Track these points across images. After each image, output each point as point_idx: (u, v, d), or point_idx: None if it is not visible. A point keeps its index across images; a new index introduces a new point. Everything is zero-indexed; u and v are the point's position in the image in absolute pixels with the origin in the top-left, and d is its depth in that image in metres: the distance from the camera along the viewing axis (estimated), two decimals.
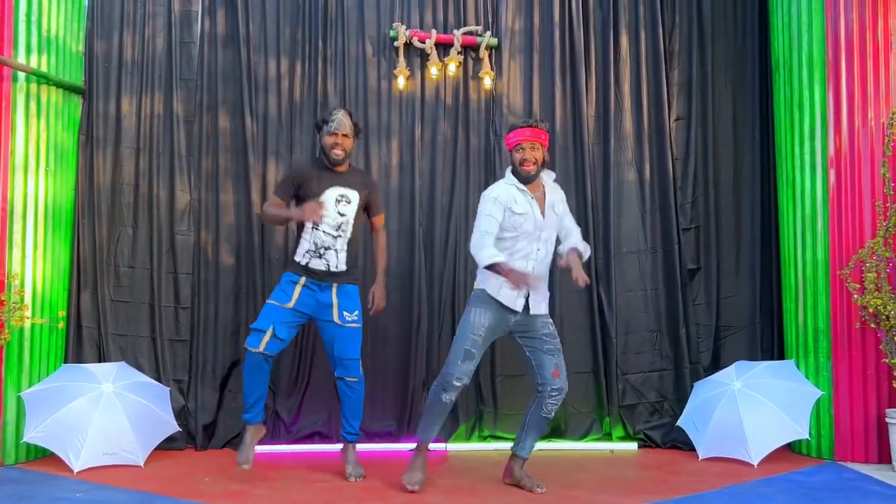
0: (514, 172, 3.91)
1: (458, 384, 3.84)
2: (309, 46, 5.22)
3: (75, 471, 4.11)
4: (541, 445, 4.92)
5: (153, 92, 5.13)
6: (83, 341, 4.88)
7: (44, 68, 4.63)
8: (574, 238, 4.00)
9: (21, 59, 4.52)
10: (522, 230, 3.84)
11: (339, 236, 4.09)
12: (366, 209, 4.26)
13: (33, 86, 4.60)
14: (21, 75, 4.53)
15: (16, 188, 4.48)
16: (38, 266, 4.57)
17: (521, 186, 3.88)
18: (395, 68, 5.19)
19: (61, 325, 4.68)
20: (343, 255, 4.09)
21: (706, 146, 5.31)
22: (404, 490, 3.82)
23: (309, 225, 4.06)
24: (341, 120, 4.05)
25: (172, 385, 4.88)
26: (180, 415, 4.81)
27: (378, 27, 5.29)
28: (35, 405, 4.26)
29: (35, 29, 4.59)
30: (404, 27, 5.18)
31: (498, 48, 5.29)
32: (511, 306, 3.85)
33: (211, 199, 5.12)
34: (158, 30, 5.16)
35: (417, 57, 5.27)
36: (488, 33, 5.24)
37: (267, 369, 4.04)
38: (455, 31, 5.20)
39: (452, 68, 5.22)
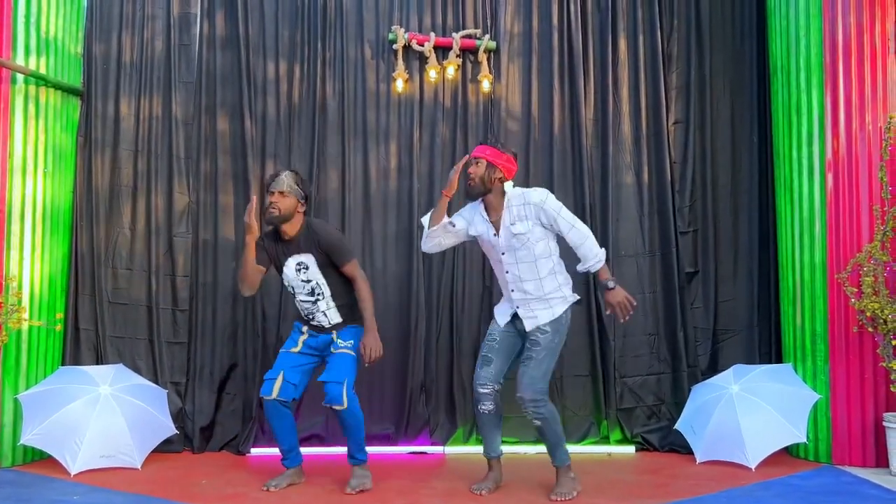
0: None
1: (483, 390, 3.84)
2: (308, 49, 5.23)
3: (72, 473, 4.11)
4: (538, 449, 4.94)
5: (152, 94, 5.13)
6: (81, 343, 4.88)
7: (42, 70, 4.63)
8: (582, 252, 3.74)
9: (20, 61, 4.53)
10: (486, 250, 3.95)
11: (318, 299, 3.96)
12: (332, 263, 3.96)
13: (32, 87, 4.60)
14: (20, 77, 4.53)
15: (14, 190, 4.48)
16: (35, 268, 4.56)
17: (479, 207, 3.87)
18: (393, 71, 5.20)
19: (59, 327, 4.67)
20: (333, 312, 3.99)
21: (704, 150, 5.32)
22: (474, 495, 3.87)
23: (290, 293, 4.06)
24: (281, 178, 3.89)
25: (170, 387, 4.88)
26: (178, 417, 4.80)
27: (377, 30, 5.30)
28: (32, 407, 4.25)
29: (34, 30, 4.60)
30: (403, 30, 5.19)
31: (496, 51, 5.30)
32: (500, 322, 3.92)
33: (209, 201, 5.12)
34: (157, 32, 5.17)
35: (416, 60, 5.27)
36: (487, 36, 5.25)
37: (287, 413, 3.98)
38: (454, 35, 5.21)
39: (451, 71, 5.23)
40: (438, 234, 3.90)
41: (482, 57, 5.22)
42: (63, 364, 4.77)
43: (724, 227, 5.28)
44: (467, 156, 3.89)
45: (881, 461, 4.36)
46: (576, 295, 3.94)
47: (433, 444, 4.95)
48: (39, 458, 4.49)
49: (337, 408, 3.84)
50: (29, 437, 4.19)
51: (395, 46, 5.18)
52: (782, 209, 4.86)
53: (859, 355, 4.43)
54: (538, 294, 3.80)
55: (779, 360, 4.98)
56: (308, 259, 3.93)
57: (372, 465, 4.47)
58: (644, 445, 5.00)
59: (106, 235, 5.00)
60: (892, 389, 4.31)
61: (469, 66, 5.32)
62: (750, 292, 5.19)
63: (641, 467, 4.55)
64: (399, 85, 5.20)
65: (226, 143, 5.16)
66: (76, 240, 4.92)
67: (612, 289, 3.75)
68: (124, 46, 5.12)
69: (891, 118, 4.46)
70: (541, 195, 3.77)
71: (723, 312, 5.23)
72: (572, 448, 4.95)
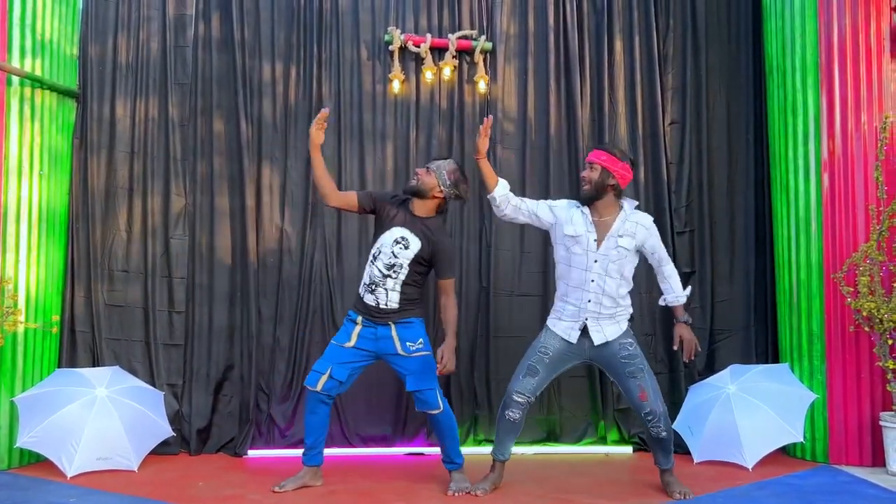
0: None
1: (518, 399, 3.86)
2: (304, 50, 5.22)
3: (69, 476, 4.10)
4: (536, 449, 4.96)
5: (147, 96, 5.12)
6: (77, 346, 4.87)
7: (38, 72, 4.62)
8: (671, 284, 3.92)
9: (15, 63, 4.52)
10: (572, 253, 3.82)
11: (390, 277, 3.89)
12: (432, 266, 3.95)
13: (27, 89, 4.59)
14: (15, 79, 4.52)
15: (9, 192, 4.47)
16: (31, 270, 4.55)
17: (584, 209, 3.87)
18: (389, 72, 5.19)
19: (55, 329, 4.67)
20: (395, 296, 3.91)
21: (700, 150, 5.33)
22: (470, 494, 3.87)
23: (371, 256, 3.99)
24: (438, 162, 3.97)
25: (167, 389, 4.86)
26: (174, 419, 4.79)
27: (373, 31, 5.30)
28: (28, 410, 4.24)
29: (29, 32, 4.58)
30: (399, 31, 5.18)
31: (493, 52, 5.30)
32: (566, 338, 3.85)
33: (206, 202, 5.11)
34: (153, 34, 5.16)
35: (412, 61, 5.27)
36: (483, 37, 5.26)
37: (325, 411, 3.94)
38: (450, 35, 5.21)
39: (447, 72, 5.23)
40: (504, 191, 3.94)
41: (478, 58, 5.22)
42: (59, 366, 4.76)
43: (721, 227, 5.29)
44: (489, 117, 3.93)
45: (878, 460, 4.37)
46: (631, 307, 3.97)
47: (430, 445, 4.94)
48: (36, 461, 4.47)
49: (433, 412, 3.88)
50: (25, 440, 4.18)
51: (391, 48, 5.18)
52: (778, 209, 4.87)
53: (856, 355, 4.44)
54: (611, 312, 3.82)
55: (775, 359, 4.99)
56: (414, 242, 3.89)
57: (369, 466, 4.49)
58: (641, 446, 4.99)
59: (102, 237, 4.99)
60: (888, 389, 4.32)
61: (465, 67, 5.32)
62: (746, 292, 5.20)
63: (639, 467, 4.55)
64: (395, 86, 5.20)
65: (222, 145, 5.15)
66: (72, 242, 4.91)
67: (688, 323, 3.93)
68: (120, 48, 5.11)
69: (886, 118, 4.47)
70: (651, 222, 3.89)
71: (719, 312, 5.24)
72: (570, 448, 5.00)
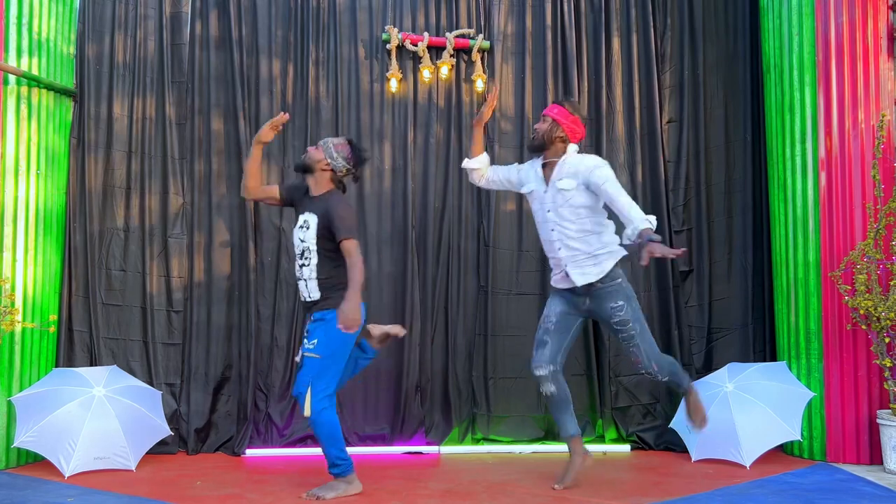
0: None
1: (540, 372, 3.89)
2: (301, 49, 5.22)
3: (66, 475, 4.09)
4: (534, 447, 4.96)
5: (145, 94, 5.12)
6: (74, 345, 4.86)
7: (35, 71, 4.62)
8: (625, 217, 3.58)
9: (12, 62, 4.51)
10: (534, 211, 3.98)
11: (305, 265, 3.86)
12: (330, 237, 3.82)
13: (24, 88, 4.59)
14: (12, 78, 4.51)
15: (6, 192, 4.46)
16: (28, 270, 4.55)
17: (537, 165, 3.97)
18: (387, 71, 5.19)
19: (52, 329, 4.66)
20: (313, 284, 3.83)
21: (698, 148, 5.33)
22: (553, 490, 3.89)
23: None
24: (327, 139, 3.96)
25: (165, 389, 4.86)
26: (172, 419, 4.79)
27: (370, 30, 5.30)
28: (26, 409, 4.23)
29: (26, 31, 4.58)
30: (396, 30, 5.18)
31: (490, 51, 5.30)
32: (565, 287, 3.90)
33: (204, 201, 5.11)
34: (150, 32, 5.15)
35: (410, 60, 5.27)
36: (480, 36, 5.26)
37: (332, 420, 3.81)
38: (447, 34, 5.21)
39: (445, 71, 5.23)
40: (478, 165, 4.11)
41: (476, 56, 5.22)
42: (57, 366, 4.75)
43: (718, 225, 5.30)
44: (496, 87, 4.08)
45: (875, 458, 4.38)
46: (622, 249, 3.88)
47: (428, 444, 4.95)
48: (33, 461, 4.47)
49: (304, 416, 3.78)
50: (23, 440, 4.18)
51: (388, 46, 5.18)
52: (776, 207, 4.87)
53: (853, 353, 4.45)
54: (587, 250, 3.81)
55: (773, 358, 5.00)
56: (312, 220, 3.84)
57: (367, 465, 4.48)
58: (639, 444, 5.01)
59: (100, 237, 4.98)
60: (885, 387, 4.33)
61: (463, 65, 5.32)
62: (744, 291, 5.21)
63: (637, 466, 4.56)
64: (393, 85, 5.20)
65: (220, 144, 5.15)
66: (70, 241, 4.90)
67: (657, 241, 3.52)
68: (117, 47, 5.11)
69: (883, 116, 4.48)
70: (595, 161, 3.83)
71: (717, 311, 5.24)
72: (567, 447, 4.98)
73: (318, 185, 3.92)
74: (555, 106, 3.95)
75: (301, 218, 3.91)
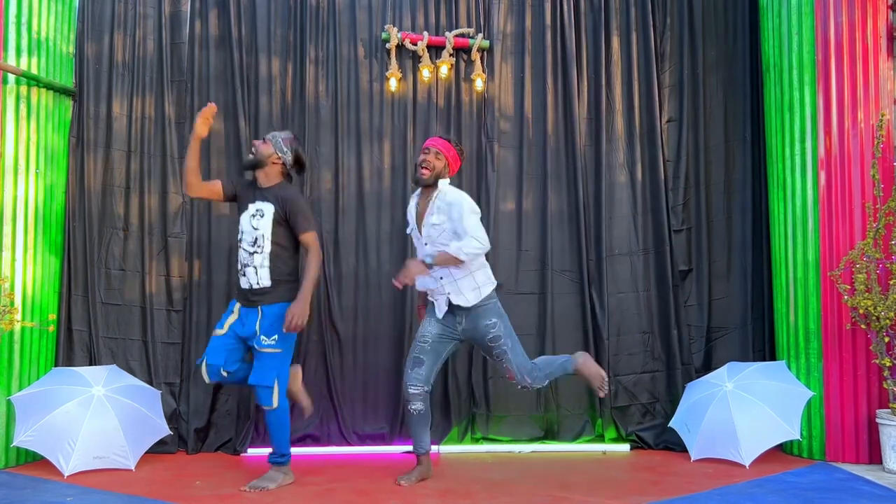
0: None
1: (413, 391, 4.01)
2: (301, 48, 5.22)
3: (66, 475, 4.09)
4: (533, 447, 4.96)
5: (144, 94, 5.11)
6: (74, 344, 4.86)
7: (34, 70, 4.61)
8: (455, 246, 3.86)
9: (11, 61, 4.51)
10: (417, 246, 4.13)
11: (256, 252, 3.96)
12: (286, 225, 4.00)
13: (23, 88, 4.58)
14: (11, 77, 4.51)
15: (6, 191, 4.46)
16: (28, 269, 4.55)
17: (414, 201, 4.15)
18: (386, 70, 5.19)
19: (51, 328, 4.66)
20: (264, 272, 3.94)
21: (697, 148, 5.33)
22: (397, 485, 4.01)
23: (238, 242, 4.09)
24: (274, 133, 4.12)
25: (164, 388, 4.86)
26: (172, 418, 4.79)
27: (370, 29, 5.29)
28: (25, 409, 4.24)
29: (25, 30, 4.58)
30: (396, 29, 5.18)
31: (490, 50, 5.30)
32: (439, 314, 4.06)
33: (203, 201, 5.10)
34: (149, 31, 5.15)
35: (409, 59, 5.27)
36: (480, 35, 5.25)
37: (215, 382, 4.11)
38: (447, 34, 5.21)
39: (444, 70, 5.23)
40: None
41: (475, 56, 5.22)
42: (56, 365, 4.75)
43: (718, 225, 5.30)
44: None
45: (874, 458, 4.38)
46: (494, 280, 4.11)
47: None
48: (33, 460, 4.48)
49: (266, 408, 3.94)
50: (22, 439, 4.18)
51: (388, 45, 5.18)
52: (775, 207, 4.87)
53: (852, 352, 4.45)
54: (465, 272, 3.95)
55: (772, 357, 5.00)
56: (267, 208, 3.99)
57: (366, 465, 4.49)
58: (639, 443, 5.01)
59: (99, 236, 4.98)
60: (884, 386, 4.33)
61: (462, 65, 5.32)
62: (743, 290, 5.20)
63: (636, 465, 4.56)
64: (392, 84, 5.19)
65: (219, 143, 5.15)
66: (69, 241, 4.90)
67: (428, 265, 3.89)
68: (116, 46, 5.10)
69: (882, 116, 4.48)
70: (457, 196, 3.96)
71: (716, 310, 5.24)
72: (567, 446, 4.99)
73: (269, 177, 4.06)
74: (440, 140, 4.10)
75: (252, 206, 4.03)
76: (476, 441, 5.04)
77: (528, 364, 4.03)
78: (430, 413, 4.14)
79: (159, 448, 4.62)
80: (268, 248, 3.96)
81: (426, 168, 4.02)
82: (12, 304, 4.35)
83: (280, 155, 4.05)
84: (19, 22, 4.55)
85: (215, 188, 4.13)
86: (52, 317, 4.68)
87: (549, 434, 5.08)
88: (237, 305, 4.08)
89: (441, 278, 3.98)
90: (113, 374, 4.48)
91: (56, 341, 4.80)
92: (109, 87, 5.07)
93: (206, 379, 4.00)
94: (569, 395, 5.11)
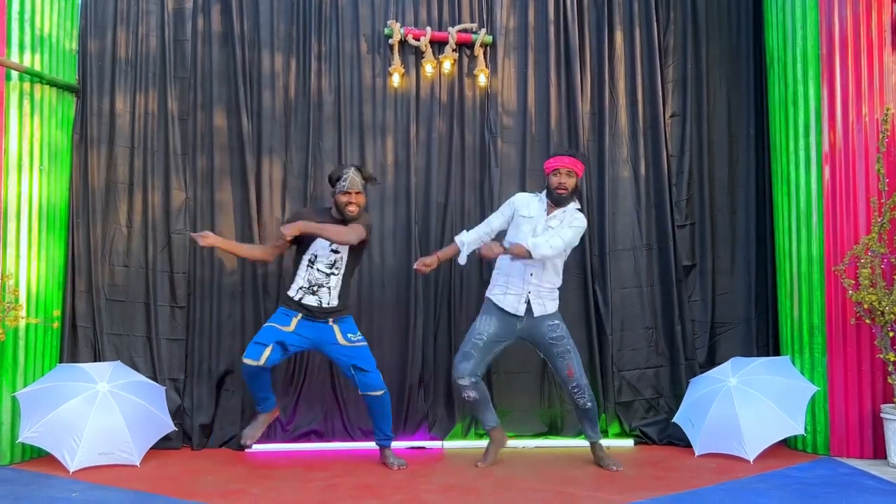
0: (549, 193, 4.28)
1: (463, 383, 4.22)
2: (304, 44, 5.21)
3: (71, 471, 4.10)
4: (537, 442, 4.96)
5: (147, 90, 5.11)
6: (78, 341, 4.87)
7: (37, 67, 4.61)
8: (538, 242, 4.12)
9: (14, 58, 4.51)
10: (521, 233, 4.20)
11: (333, 274, 4.29)
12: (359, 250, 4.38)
13: (27, 84, 4.58)
14: (14, 74, 4.51)
15: (9, 187, 4.47)
16: (32, 266, 4.55)
17: (543, 198, 4.29)
18: (389, 66, 5.18)
19: (56, 324, 4.67)
20: (335, 293, 4.30)
21: (701, 142, 5.32)
22: (477, 467, 4.32)
23: (305, 262, 4.31)
24: (353, 179, 4.23)
25: (168, 384, 4.87)
26: (176, 414, 4.80)
27: (373, 24, 5.29)
28: (30, 405, 4.25)
29: (28, 27, 4.57)
30: (399, 24, 5.17)
31: (493, 45, 5.29)
32: (514, 312, 4.22)
33: (206, 197, 5.11)
34: (152, 28, 5.15)
35: (412, 54, 5.26)
36: (483, 30, 5.24)
37: (267, 374, 4.27)
38: (450, 29, 5.20)
39: (447, 66, 5.22)
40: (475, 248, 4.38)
41: (478, 51, 5.21)
42: (61, 361, 4.76)
43: (722, 220, 5.29)
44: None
45: (879, 452, 4.38)
46: None
47: (432, 438, 4.96)
48: (38, 456, 4.49)
49: (377, 393, 4.25)
50: (27, 435, 4.19)
51: (391, 41, 5.17)
52: (779, 202, 4.86)
53: (857, 347, 4.45)
54: (551, 286, 4.27)
55: (776, 352, 4.99)
56: None
57: (371, 460, 4.49)
58: (642, 439, 5.01)
59: (103, 232, 4.98)
60: (889, 381, 4.33)
61: (465, 60, 5.31)
62: (747, 285, 5.20)
63: (640, 460, 4.56)
64: (395, 80, 5.19)
65: (222, 139, 5.15)
66: (73, 237, 4.90)
67: (505, 249, 4.13)
68: (119, 42, 5.10)
69: (887, 110, 4.47)
70: (583, 222, 4.27)
71: (720, 305, 5.23)
72: (571, 442, 5.00)
73: (359, 210, 4.30)
74: (575, 161, 4.25)
75: None
76: (480, 436, 5.04)
77: (583, 369, 4.32)
78: (487, 394, 4.40)
79: (164, 444, 4.63)
80: (342, 270, 4.31)
81: (565, 189, 4.22)
82: (17, 300, 4.36)
83: (362, 190, 4.30)
84: (22, 18, 4.55)
85: (281, 245, 4.40)
86: (57, 313, 4.69)
87: (553, 429, 5.08)
88: (296, 319, 4.28)
89: (531, 274, 4.22)
90: (118, 371, 4.49)
91: (60, 338, 4.81)
92: (112, 84, 5.07)
93: (262, 362, 4.12)
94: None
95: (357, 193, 4.24)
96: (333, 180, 4.32)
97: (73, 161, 4.96)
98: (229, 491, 3.83)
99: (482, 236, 4.36)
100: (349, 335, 4.31)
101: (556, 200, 4.23)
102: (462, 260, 4.37)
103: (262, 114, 5.15)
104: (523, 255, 4.07)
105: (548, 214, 4.25)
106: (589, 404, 4.29)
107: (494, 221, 4.37)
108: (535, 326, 4.24)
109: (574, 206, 4.30)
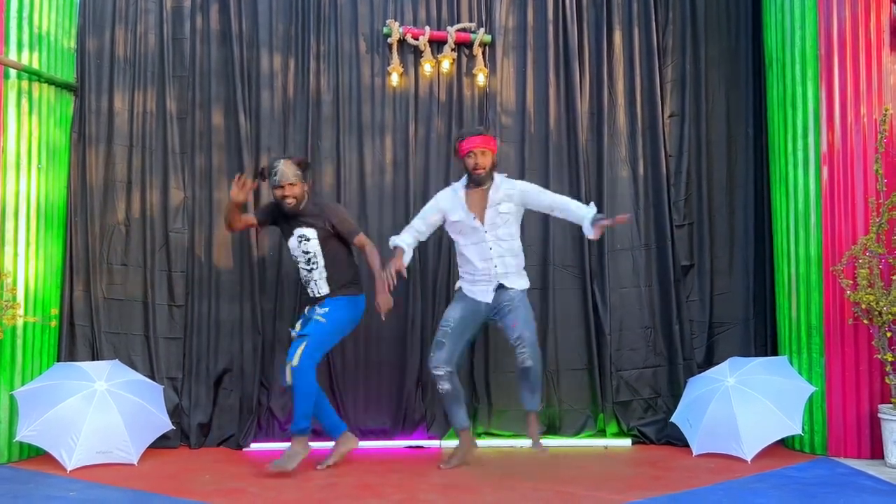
0: (468, 177, 4.28)
1: (438, 373, 4.24)
2: (302, 43, 5.21)
3: (69, 469, 4.10)
4: None
5: (146, 89, 5.11)
6: (76, 339, 4.87)
7: (35, 65, 4.61)
8: (572, 209, 4.21)
9: (13, 56, 4.50)
10: (466, 237, 4.27)
11: (313, 269, 4.32)
12: (339, 236, 4.34)
13: (25, 83, 4.58)
14: (13, 72, 4.51)
15: (8, 186, 4.46)
16: (30, 264, 4.55)
17: (457, 195, 4.28)
18: (388, 65, 5.18)
19: (54, 323, 4.66)
20: (322, 283, 4.32)
21: (699, 143, 5.32)
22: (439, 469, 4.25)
23: (295, 264, 4.45)
24: (283, 171, 4.20)
25: (166, 383, 4.87)
26: (174, 413, 4.80)
27: (371, 24, 5.28)
28: (28, 404, 4.24)
29: (27, 25, 4.57)
30: (398, 24, 5.17)
31: (492, 45, 5.29)
32: (483, 300, 4.28)
33: (205, 196, 5.10)
34: (150, 26, 5.14)
35: (411, 54, 5.26)
36: (482, 30, 5.24)
37: (320, 395, 4.32)
38: (449, 28, 5.20)
39: (446, 65, 5.22)
40: (409, 250, 4.32)
41: (477, 50, 5.21)
42: (58, 360, 4.76)
43: (720, 220, 5.29)
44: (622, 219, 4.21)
45: (877, 452, 4.39)
46: None
47: (430, 438, 4.96)
48: (36, 455, 4.49)
49: (287, 364, 4.13)
50: (25, 434, 4.18)
51: (389, 40, 5.17)
52: (777, 202, 4.87)
53: (854, 347, 4.45)
54: (518, 266, 4.33)
55: (774, 352, 5.00)
56: (310, 232, 4.29)
57: (369, 460, 4.50)
58: (640, 438, 5.01)
59: (101, 231, 4.98)
60: (886, 381, 4.33)
61: (464, 59, 5.31)
62: (745, 285, 5.20)
63: (638, 460, 4.56)
64: (394, 79, 5.19)
65: (220, 138, 5.14)
66: (71, 236, 4.90)
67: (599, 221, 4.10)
68: (117, 41, 5.10)
69: (886, 110, 4.47)
70: (524, 183, 4.34)
71: (718, 305, 5.24)
72: (569, 441, 5.00)
73: (298, 201, 4.28)
74: (488, 138, 4.26)
75: (296, 233, 4.31)
76: (478, 436, 5.03)
77: (534, 332, 4.22)
78: (461, 390, 4.35)
79: (162, 443, 4.63)
80: (321, 262, 4.30)
81: (481, 168, 4.21)
82: (15, 299, 4.36)
83: (306, 183, 4.31)
84: (20, 17, 4.54)
85: (250, 221, 4.46)
86: (55, 312, 4.69)
87: (551, 429, 5.08)
88: (306, 310, 4.42)
89: (496, 266, 4.23)
90: (115, 369, 4.49)
91: (58, 336, 4.81)
92: (111, 82, 5.07)
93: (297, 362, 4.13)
94: (571, 390, 5.12)
95: (291, 185, 4.21)
96: (266, 176, 4.32)
97: (72, 159, 4.95)
98: (227, 490, 3.83)
99: (419, 232, 4.35)
100: (318, 308, 4.30)
101: (477, 181, 4.23)
102: (407, 260, 4.29)
103: (261, 113, 5.14)
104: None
105: (467, 201, 4.24)
106: (529, 362, 4.09)
107: (420, 222, 4.35)
108: (497, 300, 4.24)
109: (500, 176, 4.31)
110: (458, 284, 4.44)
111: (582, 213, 4.14)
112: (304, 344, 4.12)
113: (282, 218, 4.37)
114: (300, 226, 4.30)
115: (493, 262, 4.22)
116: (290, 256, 4.48)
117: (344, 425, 4.45)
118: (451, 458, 4.32)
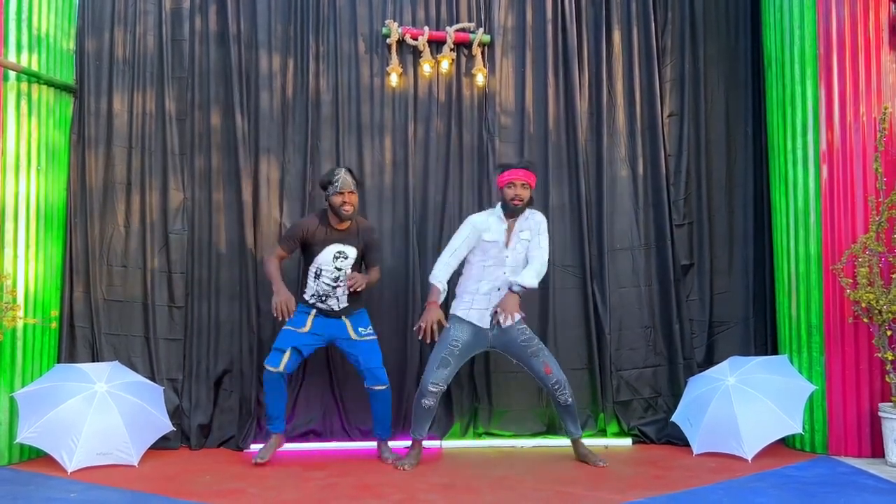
0: (504, 206, 4.36)
1: (434, 390, 4.26)
2: (301, 43, 5.21)
3: (69, 471, 4.10)
4: (536, 442, 4.97)
5: (145, 90, 5.11)
6: (76, 341, 4.86)
7: (35, 67, 4.61)
8: (527, 265, 4.31)
9: (12, 58, 4.50)
10: (489, 255, 4.33)
11: (338, 286, 4.43)
12: (363, 258, 4.55)
13: (24, 84, 4.58)
14: (12, 74, 4.51)
15: (7, 188, 4.46)
16: (30, 266, 4.55)
17: (497, 215, 4.36)
18: (387, 65, 5.18)
19: (54, 324, 4.66)
20: (344, 298, 4.46)
21: (699, 142, 5.32)
22: (397, 469, 4.26)
23: (312, 273, 4.46)
24: (345, 178, 4.33)
25: (166, 384, 4.87)
26: (174, 414, 4.79)
27: (370, 24, 5.28)
28: (28, 405, 4.24)
29: (25, 27, 4.57)
30: (397, 24, 5.17)
31: (491, 45, 5.29)
32: (481, 325, 4.34)
33: (204, 197, 5.10)
34: (149, 27, 5.14)
35: (410, 54, 5.26)
36: (481, 30, 5.24)
37: (284, 386, 4.42)
38: (448, 28, 5.20)
39: (445, 65, 5.22)
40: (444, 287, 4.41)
41: (476, 51, 5.21)
42: (59, 362, 4.75)
43: (719, 219, 5.29)
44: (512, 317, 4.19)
45: (877, 451, 4.38)
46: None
47: (430, 438, 4.93)
48: (36, 456, 4.49)
49: (380, 388, 4.46)
50: (25, 436, 4.18)
51: (388, 41, 5.17)
52: (777, 201, 4.87)
53: (854, 346, 4.45)
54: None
55: (774, 351, 5.00)
56: (351, 251, 4.46)
57: (369, 460, 4.50)
58: (641, 438, 5.01)
59: (100, 233, 4.98)
60: (887, 379, 4.33)
61: (463, 59, 5.31)
62: (745, 284, 5.21)
63: (638, 460, 4.56)
64: (393, 79, 5.19)
65: (220, 139, 5.14)
66: (70, 237, 4.90)
67: (515, 292, 4.22)
68: (117, 42, 5.10)
69: (885, 109, 4.47)
70: (545, 223, 4.43)
71: (718, 305, 5.24)
72: (569, 441, 4.98)
73: (354, 209, 4.40)
74: (527, 173, 4.33)
75: (333, 248, 4.43)
76: (478, 436, 5.05)
77: (558, 365, 4.40)
78: (436, 409, 4.42)
79: (162, 444, 4.62)
80: (347, 281, 4.42)
81: (520, 200, 4.30)
82: (14, 300, 4.36)
83: (355, 188, 4.40)
84: (20, 18, 4.54)
85: (282, 257, 4.50)
86: (55, 313, 4.69)
87: (552, 429, 5.08)
88: (311, 316, 4.47)
89: (498, 289, 4.32)
90: (116, 371, 4.49)
91: (58, 338, 4.80)
92: (110, 84, 5.07)
93: (281, 368, 4.32)
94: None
95: (350, 193, 4.34)
96: (325, 183, 4.40)
97: (71, 161, 4.95)
98: (227, 490, 3.83)
99: (453, 267, 4.42)
100: (360, 329, 4.48)
101: (512, 212, 4.32)
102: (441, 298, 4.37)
103: (260, 114, 5.14)
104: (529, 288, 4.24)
105: (506, 228, 4.35)
106: (570, 400, 4.36)
107: (462, 250, 4.39)
108: (505, 333, 4.33)
109: (528, 210, 4.40)
110: (452, 310, 4.44)
111: (520, 275, 4.24)
112: (384, 369, 4.49)
113: (314, 235, 4.41)
114: (342, 242, 4.42)
115: (498, 284, 4.31)
116: (311, 269, 4.48)
117: (281, 428, 4.52)
118: (407, 457, 4.39)
